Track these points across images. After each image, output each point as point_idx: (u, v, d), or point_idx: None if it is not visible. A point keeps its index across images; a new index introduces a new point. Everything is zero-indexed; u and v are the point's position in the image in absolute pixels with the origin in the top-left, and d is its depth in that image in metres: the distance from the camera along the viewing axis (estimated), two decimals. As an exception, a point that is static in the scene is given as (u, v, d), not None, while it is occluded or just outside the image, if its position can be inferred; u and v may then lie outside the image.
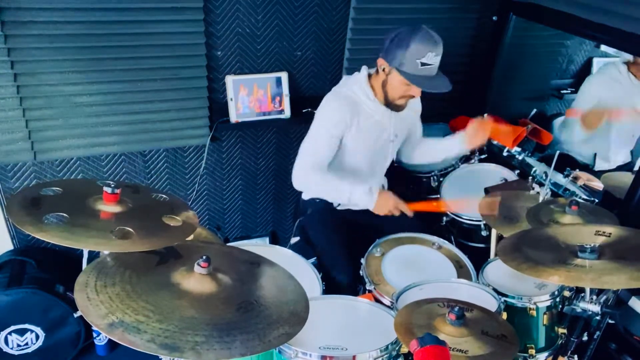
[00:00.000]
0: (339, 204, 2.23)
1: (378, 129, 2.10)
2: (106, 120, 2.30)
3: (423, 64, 1.87)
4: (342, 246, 2.10)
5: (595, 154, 2.73)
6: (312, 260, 2.04)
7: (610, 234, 1.57)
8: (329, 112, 2.03)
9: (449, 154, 2.28)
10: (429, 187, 2.60)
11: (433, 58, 1.87)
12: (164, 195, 1.62)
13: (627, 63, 2.62)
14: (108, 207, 1.41)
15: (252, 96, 2.50)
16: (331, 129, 2.02)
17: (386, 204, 1.98)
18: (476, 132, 2.13)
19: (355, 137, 2.06)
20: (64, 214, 1.32)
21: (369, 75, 2.05)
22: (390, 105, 2.05)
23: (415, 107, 2.24)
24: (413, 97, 2.00)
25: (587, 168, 2.69)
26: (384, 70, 1.97)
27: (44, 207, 1.35)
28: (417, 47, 1.85)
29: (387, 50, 1.92)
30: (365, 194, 1.98)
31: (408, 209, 1.99)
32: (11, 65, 2.04)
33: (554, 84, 3.22)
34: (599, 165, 2.72)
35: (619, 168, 2.75)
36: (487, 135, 2.14)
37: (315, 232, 2.18)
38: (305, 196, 2.32)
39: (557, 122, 3.04)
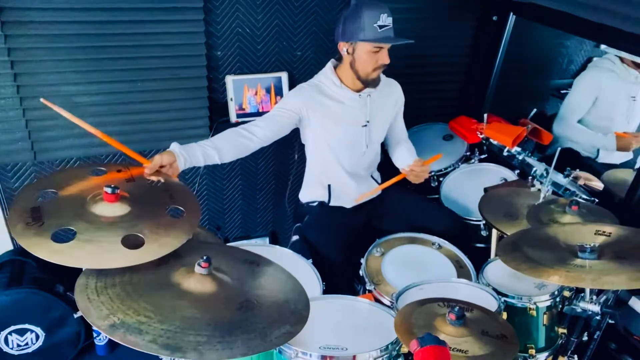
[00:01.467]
0: (329, 201, 2.27)
1: (349, 115, 2.14)
2: (106, 120, 2.29)
3: (381, 27, 1.97)
4: (340, 246, 2.10)
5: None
6: (312, 260, 2.04)
7: (610, 233, 1.57)
8: (288, 94, 2.20)
9: None
10: (429, 187, 2.60)
11: (386, 19, 1.98)
12: (160, 179, 1.65)
13: (620, 57, 2.68)
14: (109, 209, 1.40)
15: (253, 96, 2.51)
16: (281, 107, 2.12)
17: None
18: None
19: (322, 121, 2.12)
20: (71, 228, 1.30)
21: (335, 67, 2.15)
22: (367, 82, 2.09)
23: (395, 97, 2.28)
24: (385, 65, 2.04)
25: (590, 162, 2.70)
26: (347, 52, 2.04)
27: (46, 220, 1.32)
28: (369, 14, 1.95)
29: (343, 32, 2.02)
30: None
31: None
32: (11, 65, 2.04)
33: (554, 84, 3.22)
34: (602, 158, 2.72)
35: (622, 165, 2.75)
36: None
37: (313, 233, 2.18)
38: (302, 199, 2.34)
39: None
